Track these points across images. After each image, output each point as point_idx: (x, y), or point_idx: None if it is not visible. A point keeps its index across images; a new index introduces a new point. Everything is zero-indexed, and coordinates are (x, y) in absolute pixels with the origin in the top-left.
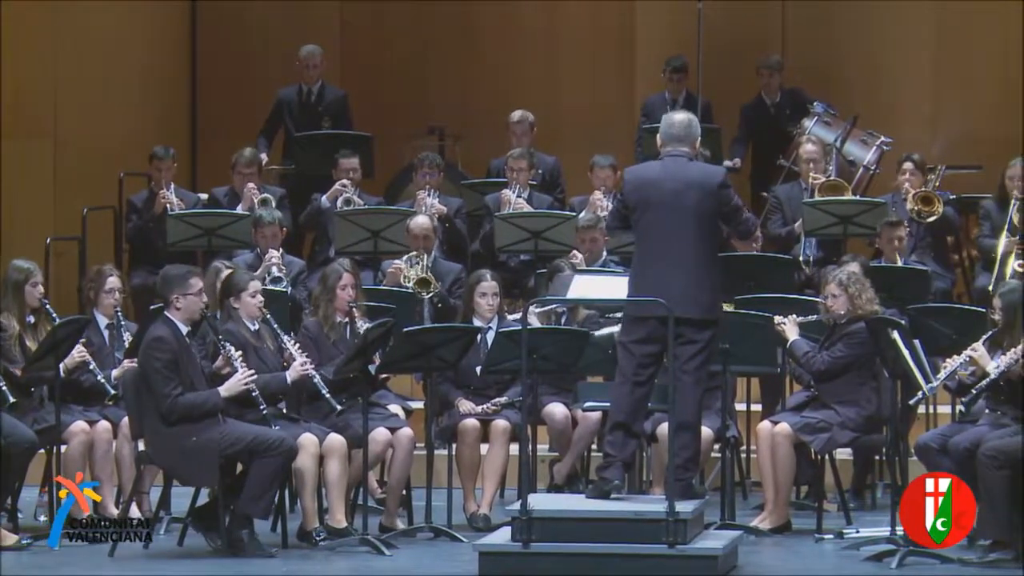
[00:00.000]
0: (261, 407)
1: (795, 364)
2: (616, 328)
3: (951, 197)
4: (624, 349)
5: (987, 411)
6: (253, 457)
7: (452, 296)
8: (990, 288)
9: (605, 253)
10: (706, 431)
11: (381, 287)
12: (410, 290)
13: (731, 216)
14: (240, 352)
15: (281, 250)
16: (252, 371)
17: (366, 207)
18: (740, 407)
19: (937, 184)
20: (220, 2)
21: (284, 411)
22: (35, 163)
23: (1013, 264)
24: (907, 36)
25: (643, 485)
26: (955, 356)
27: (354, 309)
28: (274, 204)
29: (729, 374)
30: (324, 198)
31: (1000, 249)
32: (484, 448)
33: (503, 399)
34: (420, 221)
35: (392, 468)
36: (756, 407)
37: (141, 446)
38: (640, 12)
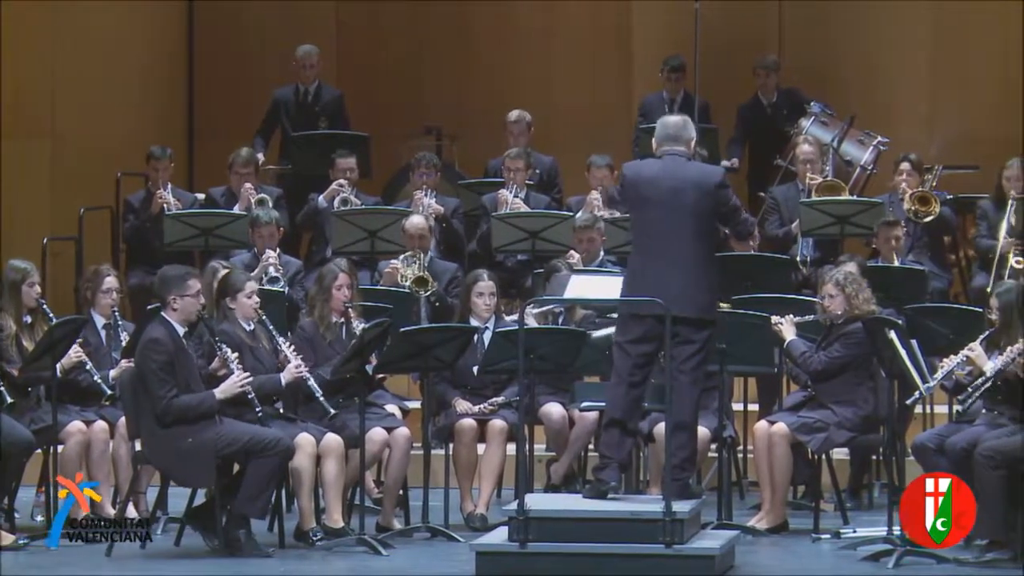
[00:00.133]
0: (257, 410)
1: (792, 364)
2: (613, 329)
3: (948, 197)
4: (620, 349)
5: (984, 411)
6: (250, 457)
7: (449, 295)
8: (989, 289)
9: (602, 253)
10: (703, 431)
11: (378, 287)
12: (407, 290)
13: (729, 216)
14: (236, 354)
15: (278, 250)
16: (248, 374)
17: (363, 207)
18: (737, 407)
19: (934, 184)
20: (217, 2)
21: (281, 411)
22: (32, 163)
23: (1012, 261)
24: (904, 36)
25: (640, 485)
26: (952, 356)
27: (350, 309)
28: (271, 204)
29: (726, 374)
30: (321, 198)
31: (998, 249)
32: (481, 448)
33: (500, 399)
34: (415, 221)
35: (389, 468)
36: (753, 407)
37: (138, 446)
38: (637, 12)
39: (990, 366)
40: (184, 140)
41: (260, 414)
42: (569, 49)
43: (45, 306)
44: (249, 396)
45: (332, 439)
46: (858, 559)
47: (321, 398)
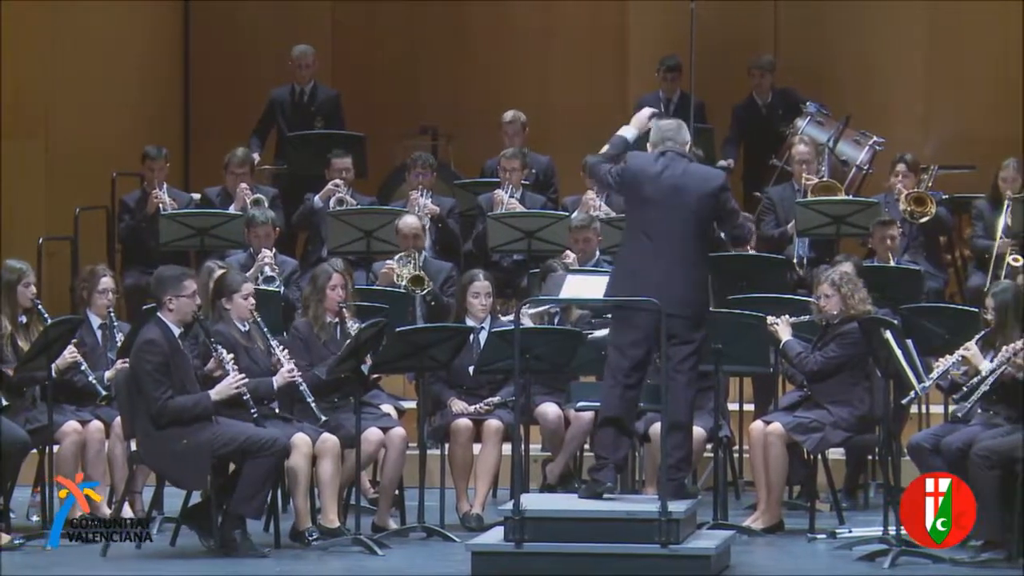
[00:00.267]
0: (252, 411)
1: (788, 364)
2: None
3: (943, 197)
4: (616, 350)
5: (980, 411)
6: (246, 457)
7: (444, 295)
8: (986, 288)
9: (598, 253)
10: (699, 431)
11: (374, 287)
12: (403, 290)
13: (726, 219)
14: (232, 355)
15: (274, 250)
16: (243, 375)
17: (359, 207)
18: (733, 407)
19: (930, 184)
20: (213, 2)
21: (277, 411)
22: (28, 163)
23: (1009, 259)
24: (899, 36)
25: (636, 485)
26: (948, 356)
27: (344, 309)
28: (267, 204)
29: (722, 374)
30: (317, 198)
31: (995, 249)
32: (477, 448)
33: (496, 399)
34: (409, 221)
35: (385, 468)
36: (749, 407)
37: (133, 446)
38: (633, 12)
39: (986, 366)
40: (180, 140)
41: (256, 415)
42: (565, 49)
43: (40, 306)
44: (244, 397)
45: (328, 439)
46: (854, 559)
47: (312, 403)
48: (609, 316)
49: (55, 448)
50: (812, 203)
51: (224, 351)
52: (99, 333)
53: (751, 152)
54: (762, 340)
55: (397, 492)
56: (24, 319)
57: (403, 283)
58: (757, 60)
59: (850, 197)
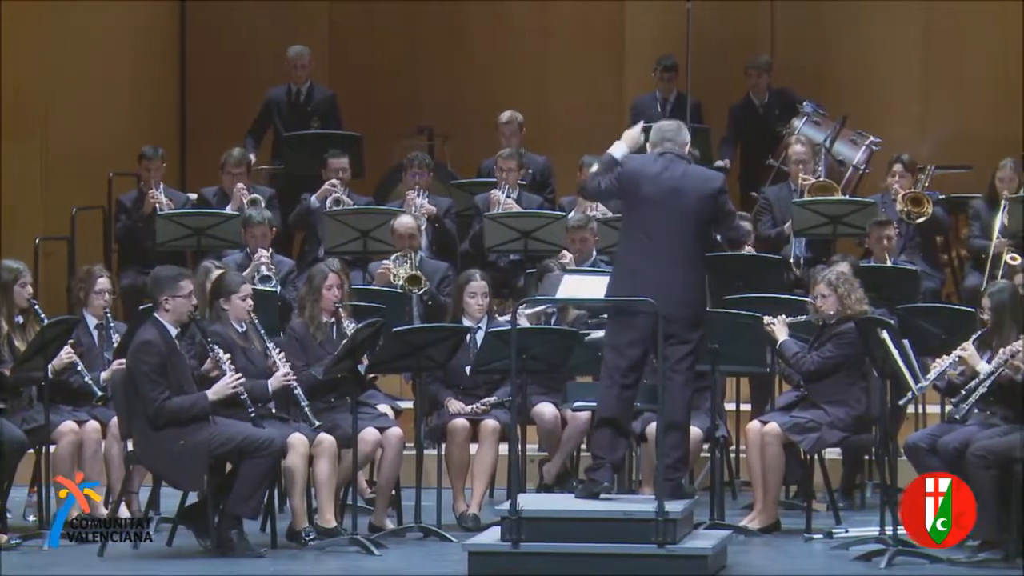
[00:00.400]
0: (250, 410)
1: (785, 364)
2: None
3: (940, 197)
4: (613, 350)
5: (976, 411)
6: (242, 457)
7: (440, 294)
8: (983, 288)
9: (595, 253)
10: (695, 431)
11: (371, 287)
12: (400, 289)
13: (723, 221)
14: (228, 355)
15: (271, 250)
16: (240, 375)
17: (355, 207)
18: (729, 407)
19: (926, 184)
20: (209, 2)
21: (274, 411)
22: (25, 163)
23: (1006, 257)
24: (896, 36)
25: (632, 485)
26: (944, 356)
27: (340, 309)
28: (263, 204)
29: (718, 374)
30: (313, 198)
31: (992, 249)
32: (473, 448)
33: (492, 399)
34: (404, 221)
35: (381, 468)
36: (745, 407)
37: (130, 446)
38: (629, 12)
39: (983, 366)
40: (176, 140)
41: (253, 414)
42: (562, 49)
43: (37, 306)
44: (242, 397)
45: (325, 439)
46: (850, 559)
47: (306, 408)
48: (606, 316)
49: (52, 448)
50: (809, 203)
51: (221, 351)
52: (95, 333)
53: (748, 152)
54: (759, 340)
55: (394, 492)
56: (20, 319)
57: (400, 283)
58: (754, 60)
59: (847, 197)
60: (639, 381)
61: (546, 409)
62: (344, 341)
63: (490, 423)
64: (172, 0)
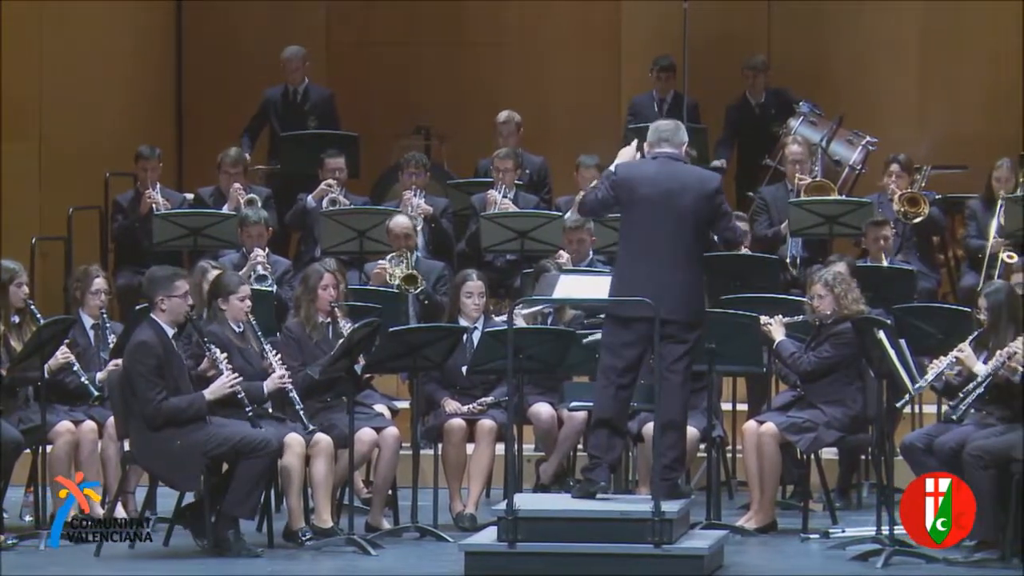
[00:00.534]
0: (247, 409)
1: (781, 364)
2: None
3: (937, 197)
4: (610, 351)
5: (972, 411)
6: (239, 458)
7: (436, 294)
8: (979, 288)
9: (592, 253)
10: (692, 431)
11: (367, 287)
12: (396, 289)
13: (719, 221)
14: (225, 354)
15: (267, 249)
16: (237, 374)
17: (352, 207)
18: (726, 407)
19: (923, 184)
20: (205, 2)
21: (270, 411)
22: (21, 163)
23: (1003, 256)
24: (893, 36)
25: (629, 485)
26: (942, 357)
27: (336, 309)
28: (260, 204)
29: (715, 374)
30: (310, 198)
31: (988, 249)
32: (470, 448)
33: (489, 399)
34: (400, 220)
35: (378, 468)
36: (742, 407)
37: (126, 446)
38: (626, 12)
39: (980, 367)
40: (173, 140)
41: (251, 413)
42: (559, 49)
43: (33, 306)
44: (239, 396)
45: (321, 439)
46: (847, 559)
47: (301, 411)
48: (603, 316)
49: (48, 448)
50: (805, 203)
51: (217, 350)
52: (92, 333)
53: (744, 152)
54: (756, 340)
55: (390, 492)
56: (17, 319)
57: (396, 282)
58: (750, 60)
59: (843, 197)
60: (635, 382)
61: (542, 409)
62: (340, 341)
63: (486, 423)
64: (169, 0)
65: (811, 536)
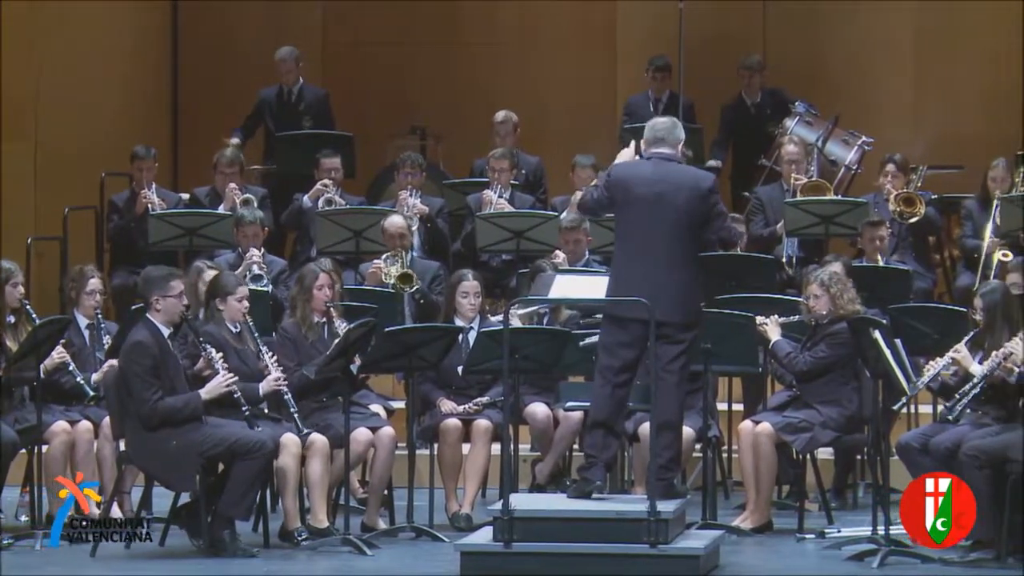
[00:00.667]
0: (244, 408)
1: (777, 364)
2: None
3: (932, 197)
4: (606, 351)
5: (968, 411)
6: (235, 459)
7: (432, 293)
8: (975, 288)
9: (587, 253)
10: (688, 431)
11: (363, 287)
12: (392, 289)
13: (713, 221)
14: (221, 354)
15: (263, 249)
16: (232, 374)
17: (348, 207)
18: (722, 407)
19: (919, 184)
20: (201, 2)
21: (266, 411)
22: (17, 163)
23: (998, 255)
24: (889, 36)
25: (625, 485)
26: (938, 358)
27: (331, 309)
28: (256, 204)
29: (711, 374)
30: (306, 198)
31: (984, 249)
32: (466, 448)
33: (485, 399)
34: (395, 220)
35: (374, 468)
36: (738, 407)
37: (122, 446)
38: (622, 12)
39: (976, 368)
40: (168, 140)
41: (247, 413)
42: (555, 49)
43: (28, 306)
44: (235, 396)
45: (317, 439)
46: (842, 559)
47: (295, 414)
48: (599, 317)
49: (44, 448)
50: (801, 203)
51: (212, 349)
52: (87, 333)
53: (740, 152)
54: (751, 340)
55: (386, 492)
56: (12, 319)
57: (391, 281)
58: (746, 60)
59: (839, 197)
60: (632, 381)
61: (538, 409)
62: (336, 341)
63: (482, 423)
64: (165, 0)
65: (807, 536)
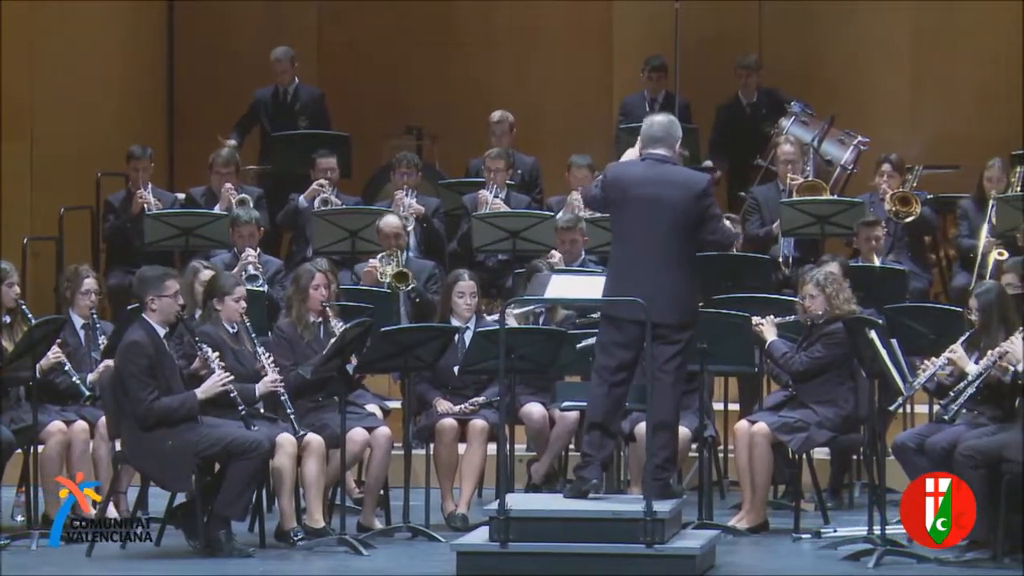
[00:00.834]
0: (240, 408)
1: (773, 364)
2: None
3: (928, 197)
4: (603, 350)
5: (964, 411)
6: (230, 459)
7: (428, 292)
8: (971, 288)
9: (584, 253)
10: (684, 431)
11: (359, 287)
12: (387, 288)
13: (707, 223)
14: (217, 353)
15: (258, 249)
16: (228, 373)
17: (343, 207)
18: (718, 406)
19: (914, 184)
20: (197, 2)
21: (262, 411)
22: (13, 163)
23: (994, 254)
24: (885, 36)
25: (621, 485)
26: (933, 358)
27: (327, 309)
28: (251, 204)
29: (707, 373)
30: (302, 198)
31: (980, 249)
32: (462, 448)
33: (481, 399)
34: (389, 220)
35: (370, 468)
36: (734, 406)
37: (118, 446)
38: (617, 12)
39: (971, 368)
40: (164, 140)
41: (244, 412)
42: (551, 49)
43: (24, 306)
44: (231, 395)
45: (313, 439)
46: (838, 559)
47: (291, 415)
48: (594, 316)
49: (40, 448)
50: (797, 203)
51: (208, 349)
52: (82, 333)
53: (736, 152)
54: (747, 340)
55: (382, 492)
56: (8, 319)
57: (387, 280)
58: (743, 59)
59: (835, 197)
60: (629, 380)
61: (534, 409)
62: (332, 340)
63: (478, 423)
64: (161, 0)
65: (803, 536)
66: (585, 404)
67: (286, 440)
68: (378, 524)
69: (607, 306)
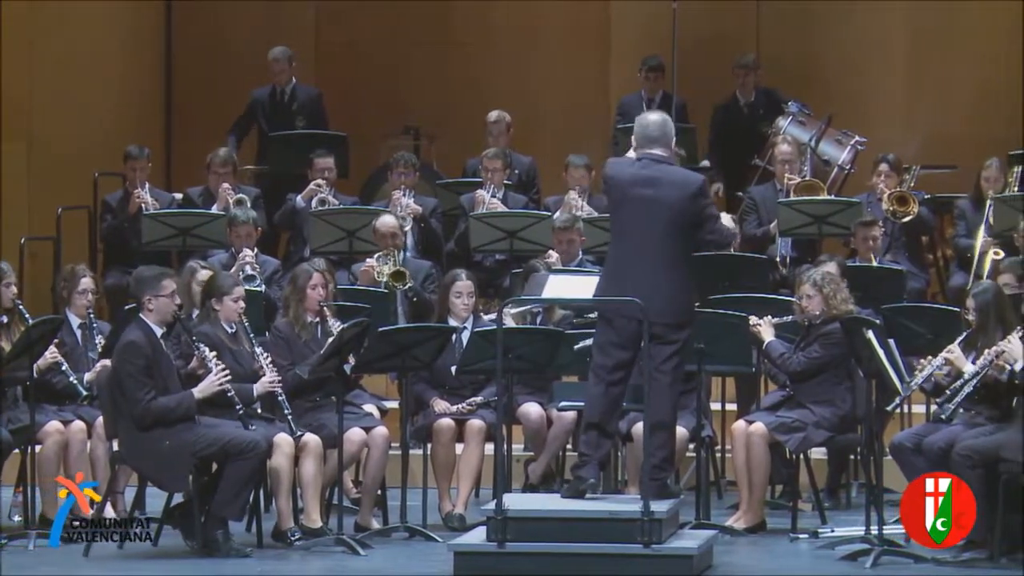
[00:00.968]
0: (237, 407)
1: (771, 365)
2: None
3: (926, 197)
4: (600, 350)
5: (961, 411)
6: (228, 459)
7: (425, 291)
8: (968, 287)
9: (581, 253)
10: (681, 430)
11: (356, 287)
12: (385, 288)
13: (704, 224)
14: (215, 352)
15: (256, 249)
16: (226, 371)
17: (341, 207)
18: (715, 406)
19: (912, 184)
20: (195, 2)
21: (259, 411)
22: (10, 163)
23: (991, 254)
24: (883, 36)
25: (618, 485)
26: (930, 358)
27: (325, 308)
28: (249, 204)
29: (704, 373)
30: (299, 198)
31: (977, 249)
32: (459, 448)
33: (478, 399)
34: (386, 220)
35: (367, 468)
36: (731, 406)
37: (115, 446)
38: (615, 11)
39: (968, 368)
40: (162, 140)
41: (241, 411)
42: (548, 49)
43: (21, 306)
44: (229, 395)
45: (310, 439)
46: (836, 559)
47: (289, 416)
48: (592, 316)
49: (37, 448)
50: (794, 203)
51: (206, 348)
52: (79, 333)
53: (733, 152)
54: (744, 340)
55: (379, 492)
56: (5, 319)
57: (384, 279)
58: (741, 58)
59: (832, 197)
60: (626, 380)
61: (532, 409)
62: (330, 340)
63: (476, 423)
64: (158, 0)
65: (800, 536)
66: (582, 404)
67: (283, 440)
68: (375, 524)
69: (604, 306)
